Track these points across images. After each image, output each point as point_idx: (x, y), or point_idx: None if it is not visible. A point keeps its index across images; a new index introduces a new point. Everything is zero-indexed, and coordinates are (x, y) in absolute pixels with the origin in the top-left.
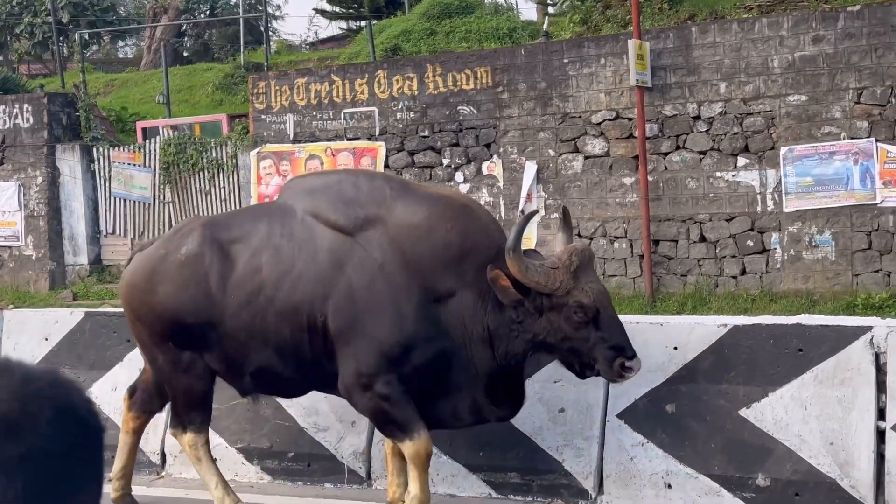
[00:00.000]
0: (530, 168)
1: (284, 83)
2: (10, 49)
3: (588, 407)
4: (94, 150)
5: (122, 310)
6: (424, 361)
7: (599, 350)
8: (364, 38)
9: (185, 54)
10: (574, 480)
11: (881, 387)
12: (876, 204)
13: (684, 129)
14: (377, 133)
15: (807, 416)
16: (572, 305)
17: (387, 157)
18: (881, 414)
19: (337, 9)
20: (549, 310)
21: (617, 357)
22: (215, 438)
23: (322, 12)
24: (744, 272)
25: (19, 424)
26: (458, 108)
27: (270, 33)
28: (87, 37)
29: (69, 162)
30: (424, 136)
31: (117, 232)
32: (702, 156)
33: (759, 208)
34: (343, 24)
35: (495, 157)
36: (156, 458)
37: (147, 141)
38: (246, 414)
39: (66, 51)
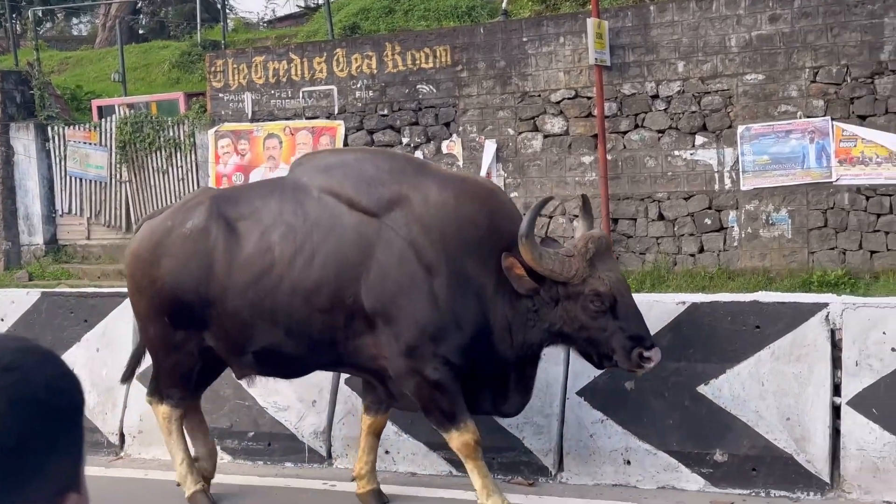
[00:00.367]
0: (490, 147)
1: (242, 61)
2: None
3: (548, 384)
4: (49, 128)
5: (79, 290)
6: (462, 343)
7: (617, 340)
8: (322, 16)
9: (141, 32)
10: (534, 458)
11: (836, 363)
12: (831, 182)
13: (643, 107)
14: (336, 112)
15: (764, 392)
16: (588, 294)
17: (346, 135)
18: (836, 390)
19: None
20: (565, 299)
21: (635, 347)
22: None
23: None
24: (702, 250)
25: None
26: (418, 86)
27: (227, 11)
28: (40, 14)
29: (23, 141)
30: (384, 115)
31: (73, 211)
32: (660, 134)
33: (716, 187)
34: (301, 2)
35: (455, 135)
36: (114, 439)
37: (103, 120)
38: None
39: (19, 28)
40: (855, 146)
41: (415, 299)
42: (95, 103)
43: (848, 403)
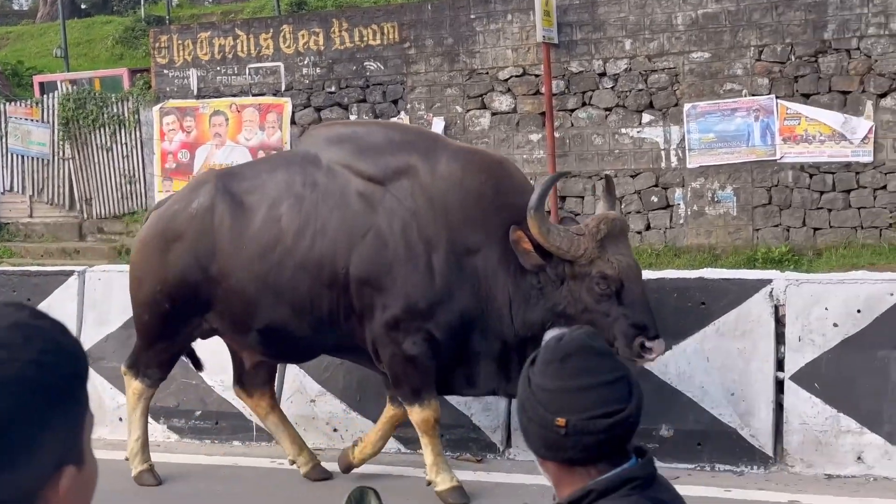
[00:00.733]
0: (438, 124)
1: (187, 37)
2: None
3: None
4: None
5: (21, 269)
6: (451, 319)
7: (620, 326)
8: None
9: (83, 7)
10: (482, 434)
11: (780, 338)
12: (776, 160)
13: (590, 85)
14: (283, 89)
15: (709, 367)
16: (595, 276)
17: (293, 113)
18: (780, 364)
19: None
20: (571, 278)
21: (637, 336)
22: (120, 398)
23: None
24: (648, 227)
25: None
26: (365, 63)
27: None
28: None
29: None
30: (331, 93)
31: (15, 189)
32: (607, 112)
33: (663, 164)
34: None
35: (402, 113)
36: None
37: (45, 96)
38: None
39: None
40: (799, 124)
41: (409, 272)
42: (37, 79)
43: (791, 378)
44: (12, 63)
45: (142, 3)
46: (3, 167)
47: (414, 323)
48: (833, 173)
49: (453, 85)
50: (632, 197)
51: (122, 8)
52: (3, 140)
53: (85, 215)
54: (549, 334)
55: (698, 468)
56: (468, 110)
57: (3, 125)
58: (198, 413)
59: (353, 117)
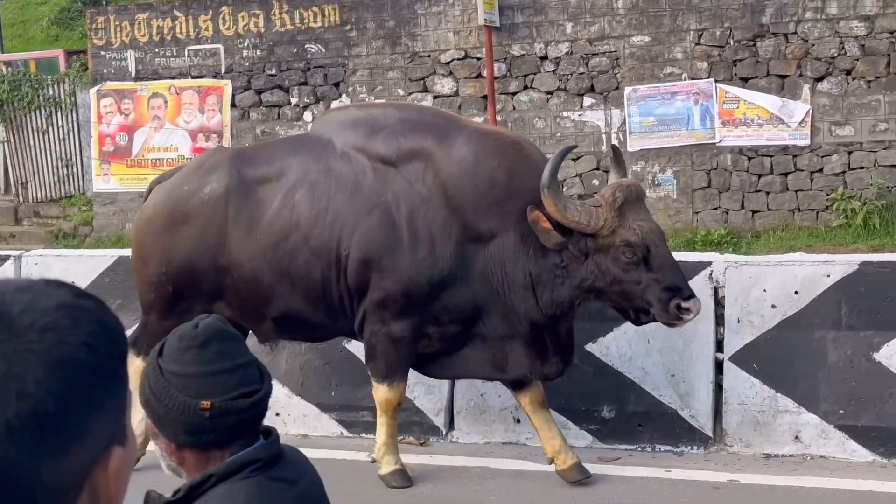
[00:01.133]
0: None
1: (125, 18)
2: None
3: None
4: None
5: None
6: (455, 304)
7: (653, 292)
8: None
9: None
10: (425, 417)
11: (719, 320)
12: (715, 143)
13: (532, 69)
14: (223, 71)
15: (650, 349)
16: (619, 245)
17: (233, 95)
18: (719, 346)
19: None
20: (595, 252)
21: (672, 298)
22: None
23: None
24: None
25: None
26: (306, 46)
27: None
28: None
29: None
30: (272, 75)
31: None
32: (549, 96)
33: (604, 148)
34: None
35: (344, 96)
36: None
37: None
38: None
39: None
40: (737, 108)
41: (412, 257)
42: None
43: (730, 359)
44: None
45: None
46: None
47: (408, 307)
48: (771, 156)
49: (395, 68)
50: (573, 180)
51: None
52: None
53: (21, 199)
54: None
55: (639, 449)
56: (410, 93)
57: None
58: None
59: (294, 100)
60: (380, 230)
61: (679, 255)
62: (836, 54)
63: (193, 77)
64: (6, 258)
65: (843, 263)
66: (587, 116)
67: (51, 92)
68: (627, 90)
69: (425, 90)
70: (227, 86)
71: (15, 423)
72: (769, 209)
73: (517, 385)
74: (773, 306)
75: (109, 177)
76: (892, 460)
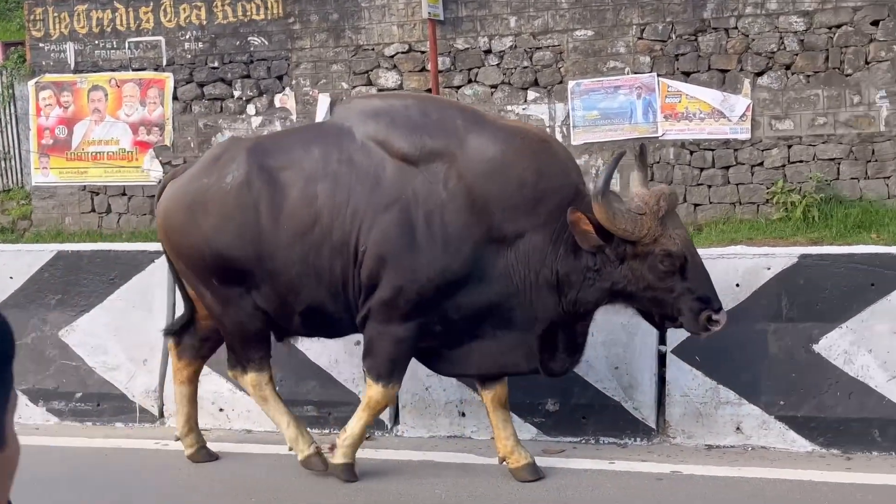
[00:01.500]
0: (323, 101)
1: (63, 10)
2: None
3: None
4: None
5: None
6: (469, 304)
7: (685, 301)
8: None
9: None
10: None
11: None
12: (657, 137)
13: (476, 62)
14: (164, 64)
15: (594, 342)
16: (659, 254)
17: (175, 88)
18: (662, 338)
19: None
20: (633, 258)
21: (704, 310)
22: None
23: None
24: None
25: None
26: (249, 38)
27: None
28: None
29: None
30: (214, 68)
31: None
32: (493, 89)
33: None
34: None
35: (287, 89)
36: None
37: None
38: (29, 354)
39: None
40: (680, 102)
41: (427, 258)
42: None
43: (673, 351)
44: None
45: None
46: None
47: (417, 308)
48: (712, 150)
49: (339, 61)
50: None
51: None
52: None
53: None
54: None
55: (583, 441)
56: (354, 87)
57: None
58: (78, 395)
59: (237, 93)
60: (396, 228)
61: None
62: (775, 49)
63: (134, 69)
64: None
65: (783, 256)
66: (531, 110)
67: None
68: (571, 84)
69: (369, 83)
70: (168, 78)
71: None
72: (711, 202)
73: (485, 381)
74: None
75: (49, 170)
76: (830, 450)
